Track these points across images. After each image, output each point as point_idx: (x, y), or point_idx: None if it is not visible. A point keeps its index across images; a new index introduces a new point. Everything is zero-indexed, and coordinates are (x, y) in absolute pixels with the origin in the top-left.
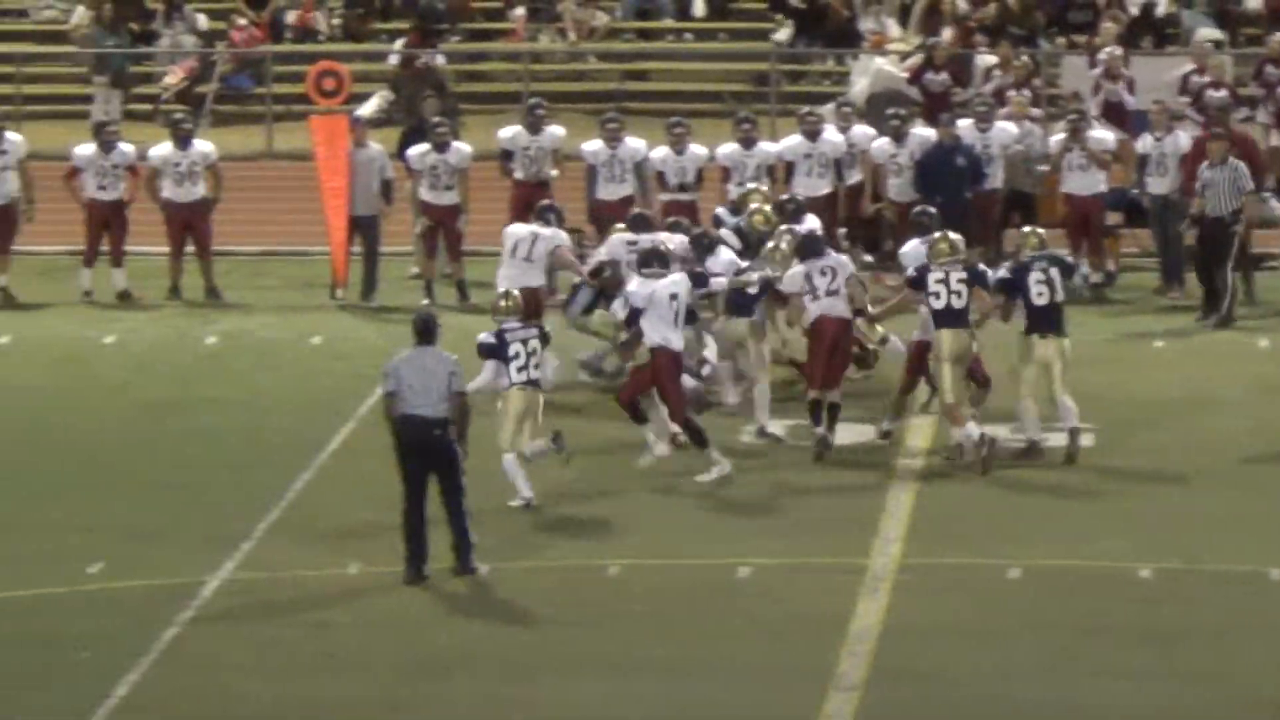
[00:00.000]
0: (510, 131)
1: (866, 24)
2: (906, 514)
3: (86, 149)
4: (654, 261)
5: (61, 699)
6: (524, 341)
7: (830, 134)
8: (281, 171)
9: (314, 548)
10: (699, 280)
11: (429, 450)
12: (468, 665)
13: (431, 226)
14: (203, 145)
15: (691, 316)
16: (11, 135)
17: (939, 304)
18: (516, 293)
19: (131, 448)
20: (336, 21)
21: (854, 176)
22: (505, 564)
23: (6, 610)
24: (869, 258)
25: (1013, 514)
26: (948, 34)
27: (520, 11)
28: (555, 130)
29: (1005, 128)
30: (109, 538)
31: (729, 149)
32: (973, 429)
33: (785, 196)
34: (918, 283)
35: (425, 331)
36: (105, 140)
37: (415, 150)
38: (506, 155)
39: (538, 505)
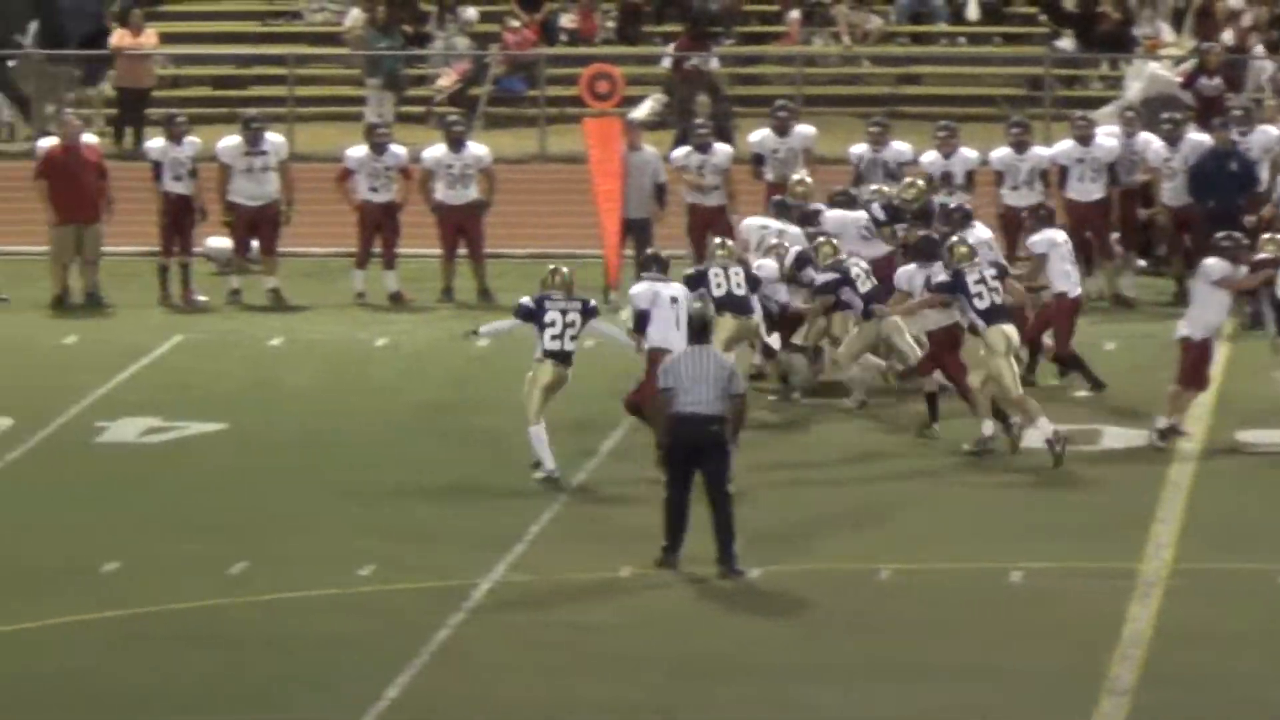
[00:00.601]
0: (759, 135)
1: (1141, 28)
2: (1179, 518)
3: (358, 151)
4: (653, 266)
5: (334, 700)
6: (563, 312)
7: (1102, 138)
8: (554, 174)
9: (586, 550)
10: (754, 282)
11: (701, 447)
12: (738, 668)
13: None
14: (476, 148)
15: (745, 306)
16: (271, 136)
17: (983, 303)
18: (565, 270)
19: (403, 450)
20: (610, 24)
21: (1134, 181)
22: (777, 567)
23: (280, 611)
24: (1142, 262)
25: None
26: (1226, 36)
27: (795, 15)
28: (804, 130)
29: (1266, 130)
30: (381, 540)
31: (1001, 153)
32: (1046, 424)
33: (955, 204)
34: (952, 286)
35: (701, 330)
36: (377, 142)
37: (678, 152)
38: (758, 159)
39: (816, 505)
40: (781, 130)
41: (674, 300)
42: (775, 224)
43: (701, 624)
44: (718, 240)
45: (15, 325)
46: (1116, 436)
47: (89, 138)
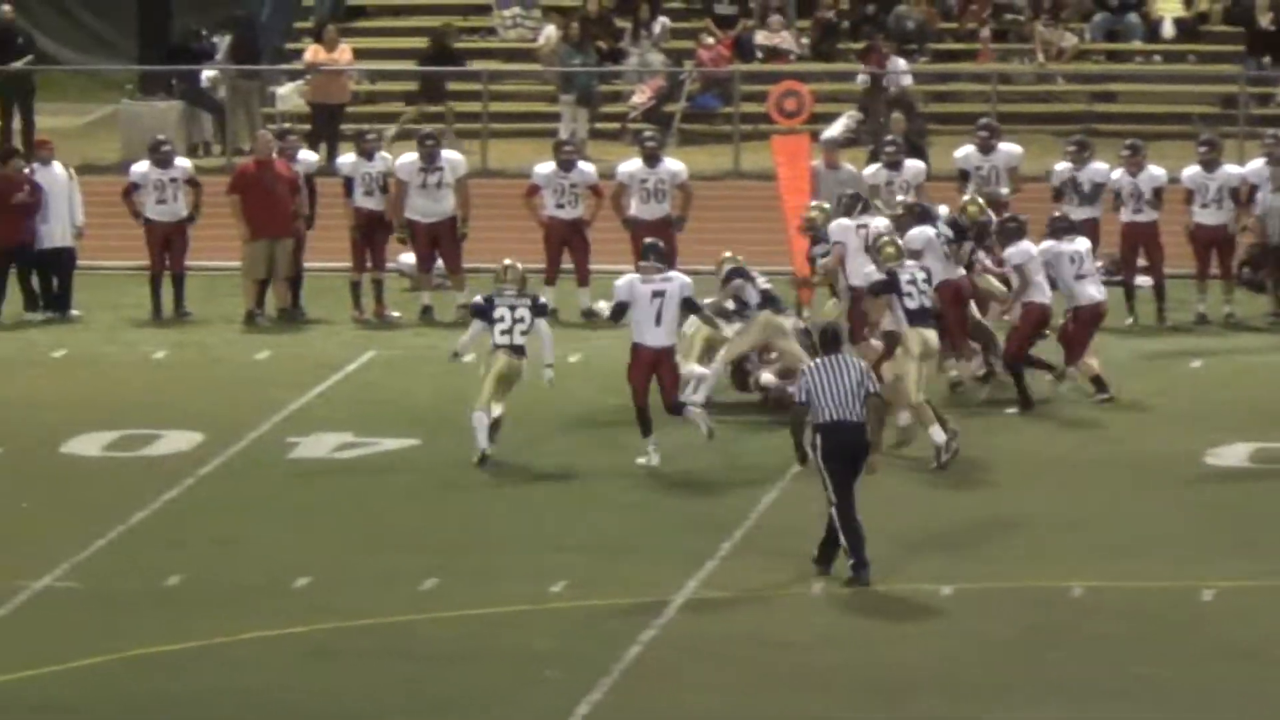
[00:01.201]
0: (964, 151)
1: None
2: None
3: (546, 167)
4: (651, 255)
5: (525, 715)
6: (512, 309)
7: None
8: (749, 190)
9: (778, 566)
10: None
11: (856, 453)
12: (930, 686)
13: None
14: (672, 164)
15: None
16: (448, 153)
17: (913, 304)
18: (519, 265)
19: (596, 465)
20: (805, 41)
21: None
22: (969, 584)
23: (473, 626)
24: None
25: None
26: None
27: (985, 32)
28: (1010, 149)
29: None
30: (573, 555)
31: (1191, 171)
32: (938, 433)
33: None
34: (888, 285)
35: (834, 341)
36: (564, 159)
37: (869, 169)
38: (963, 175)
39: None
40: (985, 148)
41: (655, 295)
42: (874, 220)
43: (893, 641)
44: (727, 254)
45: (209, 340)
46: None
47: (307, 154)
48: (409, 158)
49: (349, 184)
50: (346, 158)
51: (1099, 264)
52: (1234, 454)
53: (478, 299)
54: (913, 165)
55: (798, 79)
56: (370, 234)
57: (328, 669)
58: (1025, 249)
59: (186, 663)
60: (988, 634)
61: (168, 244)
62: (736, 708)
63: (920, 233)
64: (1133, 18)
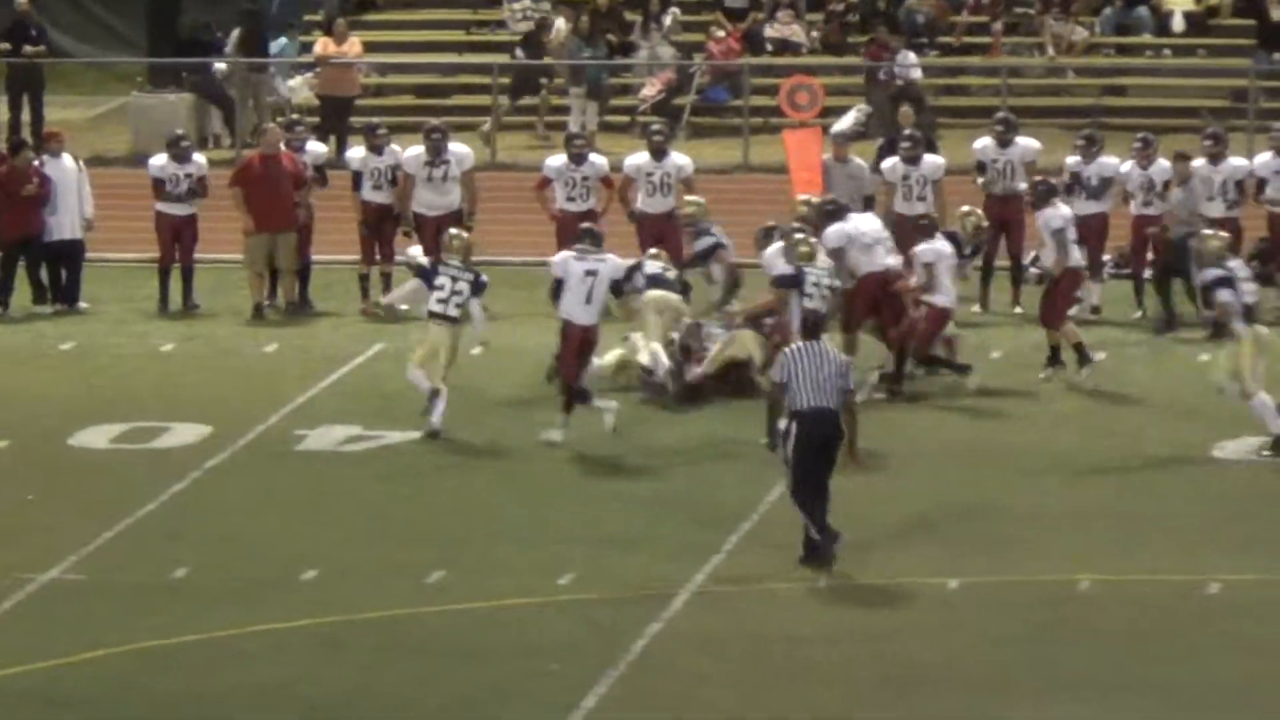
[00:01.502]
0: (981, 143)
1: None
2: None
3: (557, 160)
4: (586, 238)
5: (530, 710)
6: (453, 279)
7: None
8: (758, 184)
9: (784, 561)
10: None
11: (830, 441)
12: (939, 681)
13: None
14: (679, 158)
15: (674, 286)
16: (455, 147)
17: (811, 305)
18: (465, 235)
19: (603, 457)
20: (816, 34)
21: None
22: (976, 578)
23: (478, 619)
24: None
25: None
26: None
27: (997, 26)
28: (1027, 143)
29: None
30: (580, 548)
31: (1196, 164)
32: None
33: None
34: (793, 281)
35: (814, 328)
36: (575, 152)
37: (887, 163)
38: (980, 167)
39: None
40: (1002, 142)
41: (588, 274)
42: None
43: (901, 635)
44: (653, 251)
45: (217, 333)
46: None
47: (315, 145)
48: (416, 151)
49: (357, 177)
50: (355, 151)
51: (1108, 257)
52: (1241, 447)
53: (423, 260)
54: (931, 160)
55: (808, 72)
56: (379, 227)
57: (335, 662)
58: (937, 248)
59: (194, 655)
60: (994, 628)
61: (178, 236)
62: (743, 702)
63: (837, 230)
64: (1143, 11)
